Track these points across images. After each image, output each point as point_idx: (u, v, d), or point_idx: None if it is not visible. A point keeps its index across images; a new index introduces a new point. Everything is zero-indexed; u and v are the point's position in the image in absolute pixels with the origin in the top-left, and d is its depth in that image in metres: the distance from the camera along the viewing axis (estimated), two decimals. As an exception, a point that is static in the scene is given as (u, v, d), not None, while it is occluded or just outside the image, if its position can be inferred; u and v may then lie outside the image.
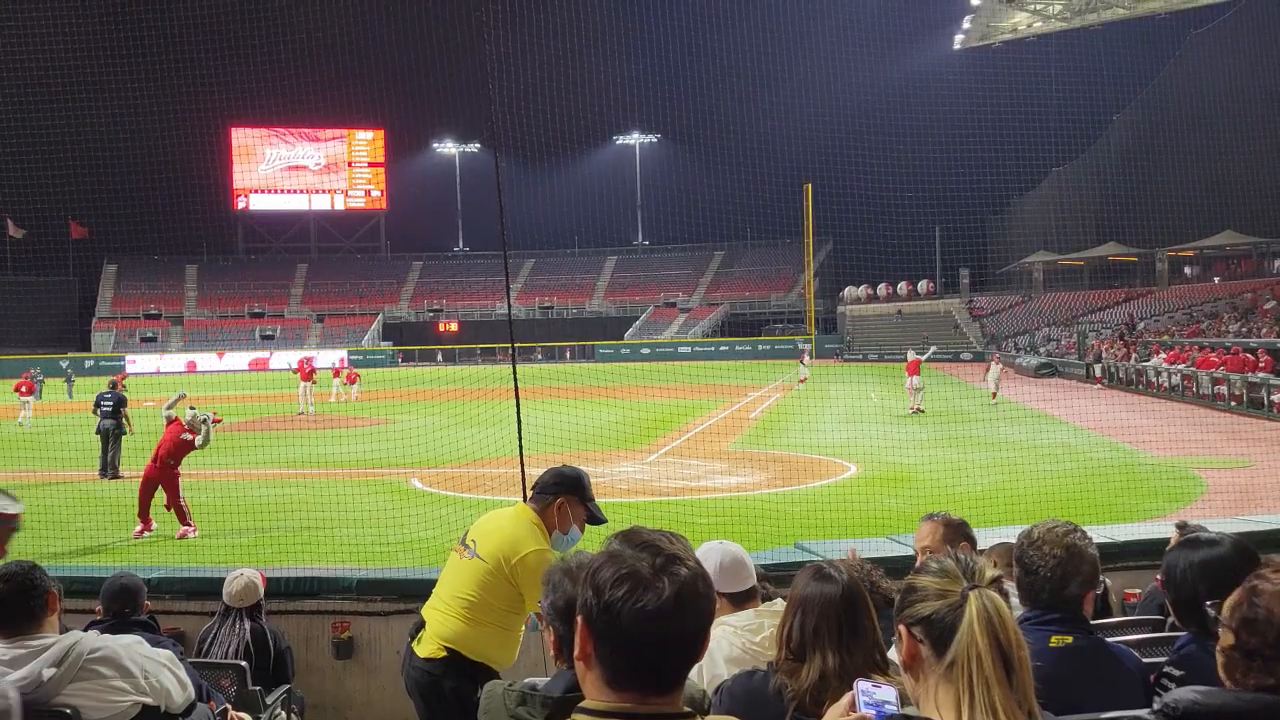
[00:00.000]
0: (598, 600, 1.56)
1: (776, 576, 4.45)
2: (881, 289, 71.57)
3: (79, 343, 74.17)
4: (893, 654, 2.63)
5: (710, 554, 3.30)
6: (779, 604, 3.18)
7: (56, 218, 68.98)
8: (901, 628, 1.85)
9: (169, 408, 13.05)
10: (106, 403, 17.48)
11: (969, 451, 18.01)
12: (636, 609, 1.52)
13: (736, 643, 3.08)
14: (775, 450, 19.15)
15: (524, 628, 4.18)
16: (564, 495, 4.12)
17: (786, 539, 7.99)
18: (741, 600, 3.30)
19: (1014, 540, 4.12)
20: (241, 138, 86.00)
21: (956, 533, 3.81)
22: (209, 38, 57.89)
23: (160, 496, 12.34)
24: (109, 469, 17.08)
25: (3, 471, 17.31)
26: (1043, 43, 52.68)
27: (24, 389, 28.85)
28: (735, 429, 23.28)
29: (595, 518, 4.21)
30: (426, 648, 4.01)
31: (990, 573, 1.82)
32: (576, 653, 1.60)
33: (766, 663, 2.69)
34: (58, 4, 41.34)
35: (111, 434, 17.22)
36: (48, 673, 3.11)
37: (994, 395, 28.46)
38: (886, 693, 1.86)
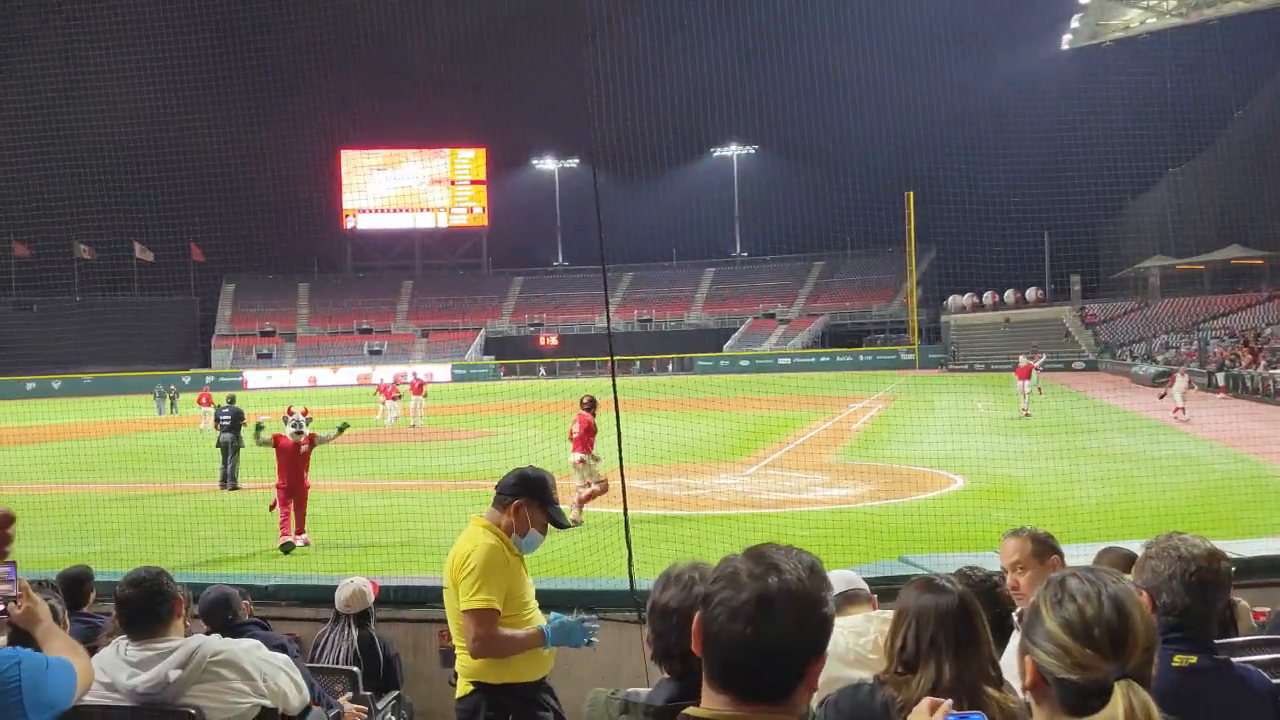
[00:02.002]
0: (702, 594, 1.65)
1: (881, 590, 4.37)
2: (988, 297, 69.77)
3: (200, 359, 77.45)
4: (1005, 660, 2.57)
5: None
6: (888, 613, 3.14)
7: (179, 240, 72.31)
8: (1029, 659, 1.75)
9: (261, 440, 13.12)
10: (225, 417, 18.22)
11: (1081, 463, 17.40)
12: (720, 608, 1.58)
13: (840, 641, 3.06)
14: (878, 462, 18.83)
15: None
16: (523, 498, 4.02)
17: (891, 552, 7.85)
18: (838, 604, 3.30)
19: (1127, 548, 3.98)
20: (350, 160, 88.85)
21: (1045, 547, 3.68)
22: (319, 65, 59.92)
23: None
24: (228, 480, 17.74)
25: (129, 482, 18.17)
26: (1157, 39, 50.86)
27: (204, 400, 30.52)
28: (837, 441, 22.97)
29: (556, 522, 4.09)
30: (459, 690, 4.02)
31: (1141, 644, 1.69)
32: (694, 645, 1.66)
33: (874, 676, 2.65)
34: (179, 39, 43.34)
35: (230, 447, 17.89)
36: (173, 674, 3.24)
37: (1182, 410, 25.54)
38: (976, 717, 1.82)
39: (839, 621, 3.16)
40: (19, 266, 67.42)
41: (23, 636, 3.05)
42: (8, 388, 54.56)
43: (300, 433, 12.88)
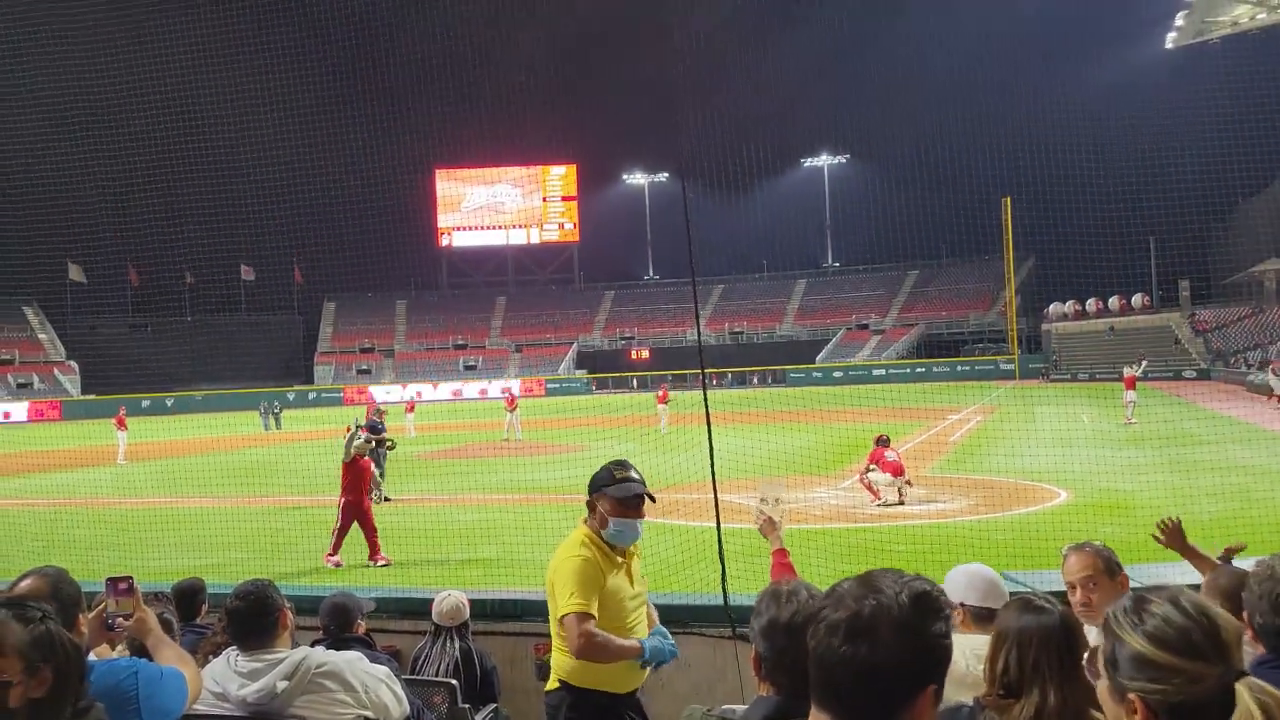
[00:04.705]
0: (810, 615, 1.65)
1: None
2: (1091, 304, 67.66)
3: (304, 376, 79.88)
4: None
5: (962, 570, 3.34)
6: None
7: (284, 261, 74.87)
8: (1132, 696, 1.62)
9: (360, 447, 13.56)
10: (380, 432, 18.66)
11: (1194, 476, 16.71)
12: (821, 624, 1.58)
13: (960, 662, 2.98)
14: (978, 475, 18.39)
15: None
16: (593, 495, 4.06)
17: (992, 568, 7.65)
18: (982, 619, 3.27)
19: (1241, 567, 3.80)
20: (445, 179, 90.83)
21: (1114, 563, 3.52)
22: (414, 87, 61.46)
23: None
24: (378, 494, 18.09)
25: (240, 496, 18.82)
26: (1269, 35, 48.76)
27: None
28: (934, 453, 22.51)
29: (628, 493, 4.00)
30: (549, 684, 4.14)
31: (1236, 635, 1.59)
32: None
33: (973, 699, 2.58)
34: (280, 67, 44.89)
35: (380, 461, 18.25)
36: (280, 685, 3.33)
37: None
38: None
39: (961, 640, 3.07)
40: (134, 288, 70.58)
41: (140, 647, 3.18)
42: (125, 406, 56.98)
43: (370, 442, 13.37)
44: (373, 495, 17.89)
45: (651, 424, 30.22)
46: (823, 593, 1.66)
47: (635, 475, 4.08)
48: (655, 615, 4.37)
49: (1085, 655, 1.73)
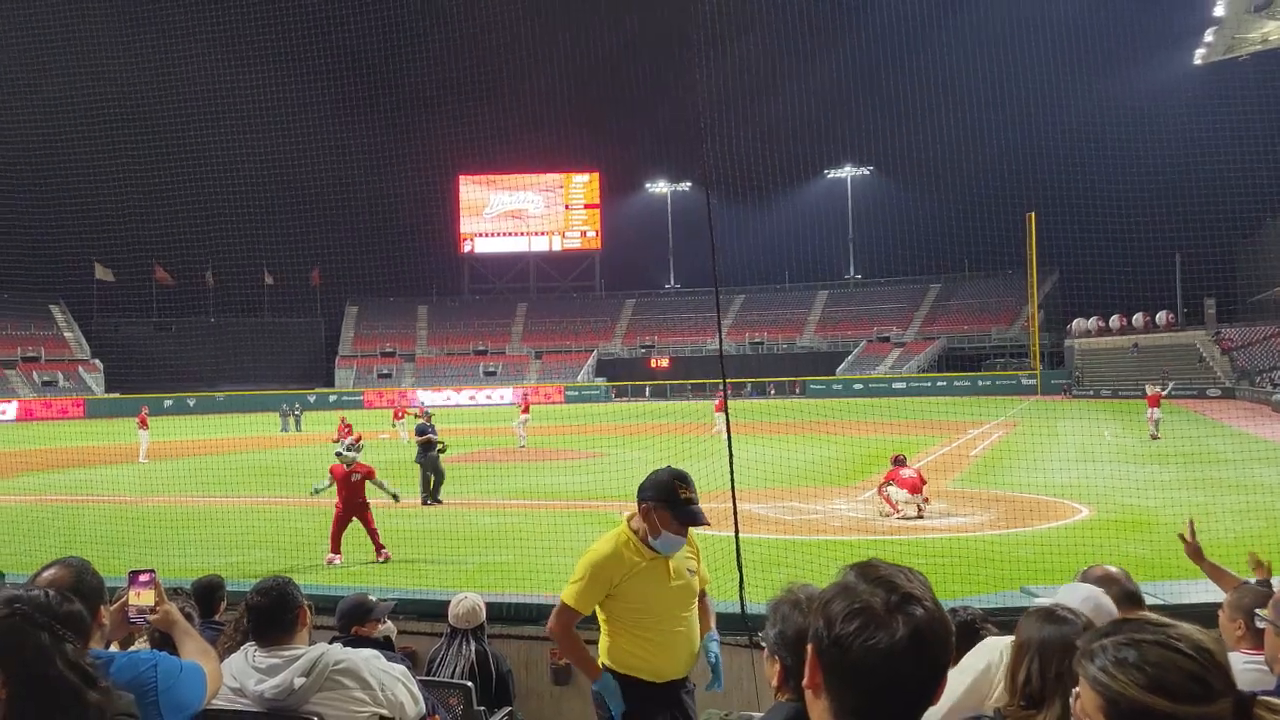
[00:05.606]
0: (828, 633, 1.53)
1: (1000, 621, 4.24)
2: (1115, 321, 67.20)
3: (325, 379, 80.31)
4: None
5: (1089, 591, 3.08)
6: None
7: (307, 263, 75.40)
8: None
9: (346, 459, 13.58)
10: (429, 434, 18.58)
11: (1218, 495, 16.56)
12: (867, 647, 1.49)
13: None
14: (998, 490, 18.27)
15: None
16: (649, 501, 4.01)
17: (1011, 583, 7.60)
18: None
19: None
20: (468, 185, 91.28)
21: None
22: (439, 94, 61.78)
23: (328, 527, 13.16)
24: (430, 497, 18.05)
25: (262, 496, 18.91)
26: (1298, 52, 48.40)
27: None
28: (954, 467, 22.38)
29: (691, 519, 3.98)
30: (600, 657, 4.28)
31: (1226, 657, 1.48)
32: (806, 681, 1.58)
33: (993, 709, 2.56)
34: (305, 71, 45.23)
35: (433, 463, 18.18)
36: (298, 681, 3.34)
37: None
38: None
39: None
40: (159, 289, 71.20)
41: (163, 639, 3.20)
42: (148, 405, 57.47)
43: (345, 457, 13.35)
44: (424, 497, 17.87)
45: (678, 432, 30.19)
46: (841, 607, 1.54)
47: (696, 497, 4.05)
48: (713, 618, 4.39)
49: (1073, 699, 1.63)
